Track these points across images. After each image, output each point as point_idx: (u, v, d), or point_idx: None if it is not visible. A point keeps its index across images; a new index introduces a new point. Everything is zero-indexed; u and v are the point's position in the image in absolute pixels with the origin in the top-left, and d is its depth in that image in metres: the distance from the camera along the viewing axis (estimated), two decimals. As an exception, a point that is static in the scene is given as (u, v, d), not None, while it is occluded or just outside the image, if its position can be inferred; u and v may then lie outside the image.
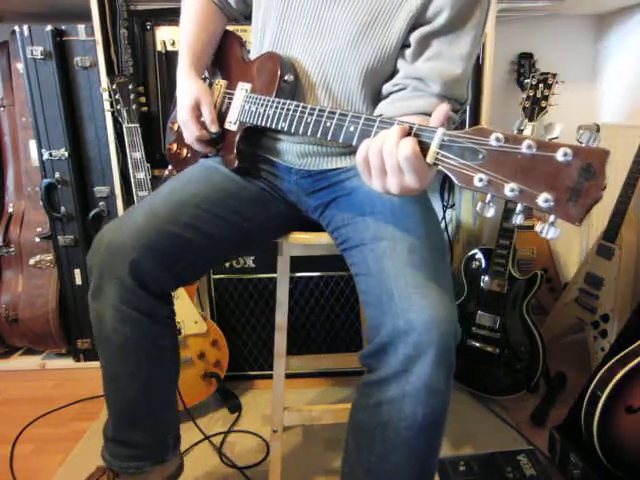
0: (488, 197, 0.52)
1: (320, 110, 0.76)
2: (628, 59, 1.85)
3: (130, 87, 1.43)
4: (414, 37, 0.84)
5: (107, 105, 1.48)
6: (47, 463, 1.30)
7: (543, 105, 1.46)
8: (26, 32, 1.51)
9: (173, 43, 1.52)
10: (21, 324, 1.70)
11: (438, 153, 0.57)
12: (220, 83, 1.00)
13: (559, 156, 0.46)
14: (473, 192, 1.73)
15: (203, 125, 0.95)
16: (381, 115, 0.69)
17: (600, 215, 1.92)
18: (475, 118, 1.59)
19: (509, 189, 0.49)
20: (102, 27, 1.46)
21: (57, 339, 1.72)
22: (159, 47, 1.52)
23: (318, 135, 0.76)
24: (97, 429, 1.44)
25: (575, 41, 1.97)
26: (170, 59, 1.53)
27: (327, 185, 0.94)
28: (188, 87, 0.95)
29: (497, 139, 0.51)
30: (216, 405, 1.55)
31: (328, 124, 0.73)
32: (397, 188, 0.61)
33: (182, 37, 1.00)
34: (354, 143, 0.68)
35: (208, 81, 1.06)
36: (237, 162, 0.93)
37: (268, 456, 1.31)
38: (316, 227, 1.00)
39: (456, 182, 0.55)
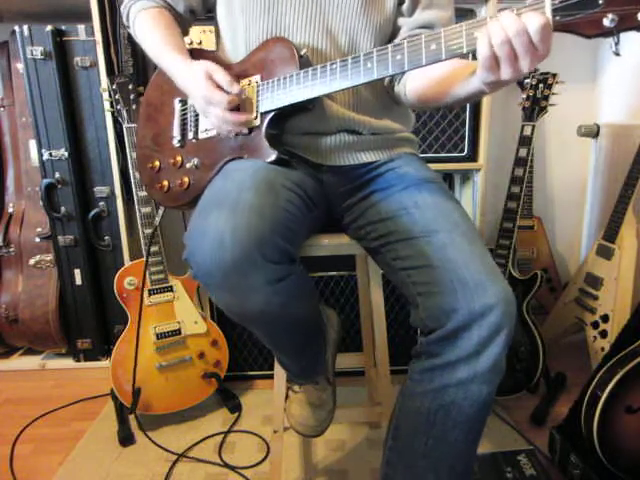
0: (615, 38, 0.54)
1: (379, 50, 0.71)
2: (628, 59, 1.85)
3: (130, 87, 1.43)
4: None
5: (107, 105, 1.48)
6: (47, 463, 1.30)
7: (543, 105, 1.46)
8: (26, 32, 1.51)
9: (173, 43, 1.52)
10: (21, 324, 1.70)
11: (555, 17, 0.58)
12: None
13: None
14: (474, 192, 1.72)
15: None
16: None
17: (600, 215, 1.92)
18: (475, 118, 1.59)
19: None
20: (102, 27, 1.46)
21: (57, 339, 1.72)
22: (159, 47, 1.51)
23: (389, 72, 0.71)
24: (97, 429, 1.45)
25: (575, 41, 1.96)
26: (170, 59, 1.52)
27: (359, 183, 0.95)
28: (190, 70, 0.86)
29: None
30: (216, 405, 1.55)
31: (398, 57, 0.70)
32: (530, 65, 0.62)
33: (155, 40, 0.93)
34: (443, 57, 0.67)
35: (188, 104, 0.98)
36: (274, 152, 0.84)
37: (268, 456, 1.31)
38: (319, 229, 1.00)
39: (585, 35, 0.56)
